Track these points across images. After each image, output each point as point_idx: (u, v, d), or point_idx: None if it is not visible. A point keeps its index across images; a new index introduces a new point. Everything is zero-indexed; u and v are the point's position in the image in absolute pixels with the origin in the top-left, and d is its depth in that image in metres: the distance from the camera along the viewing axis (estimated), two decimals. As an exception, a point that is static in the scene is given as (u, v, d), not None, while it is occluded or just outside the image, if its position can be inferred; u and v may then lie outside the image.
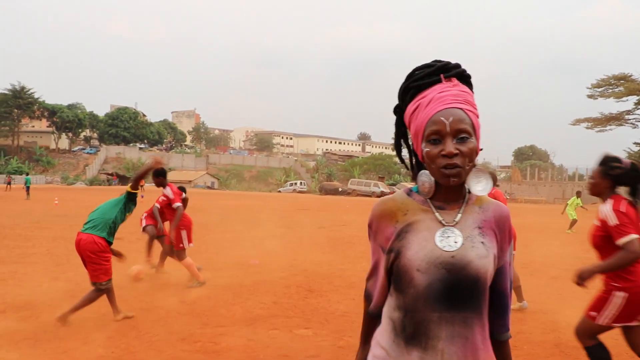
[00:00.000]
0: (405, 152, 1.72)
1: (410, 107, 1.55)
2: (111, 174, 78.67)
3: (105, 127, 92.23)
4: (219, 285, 7.62)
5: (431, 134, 1.47)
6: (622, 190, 3.65)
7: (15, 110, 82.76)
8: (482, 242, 1.51)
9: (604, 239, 3.55)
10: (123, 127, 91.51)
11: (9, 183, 46.93)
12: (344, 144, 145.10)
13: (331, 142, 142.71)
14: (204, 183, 76.98)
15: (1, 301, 6.37)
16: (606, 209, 3.52)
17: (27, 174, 50.88)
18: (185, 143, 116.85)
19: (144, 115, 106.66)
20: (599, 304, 3.56)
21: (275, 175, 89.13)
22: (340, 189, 62.39)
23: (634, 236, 3.36)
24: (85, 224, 5.63)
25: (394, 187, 69.33)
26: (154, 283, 7.71)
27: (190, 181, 73.01)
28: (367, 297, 1.75)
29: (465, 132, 1.45)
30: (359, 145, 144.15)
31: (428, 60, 1.60)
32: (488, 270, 1.49)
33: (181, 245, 7.51)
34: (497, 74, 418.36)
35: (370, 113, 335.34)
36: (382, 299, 1.66)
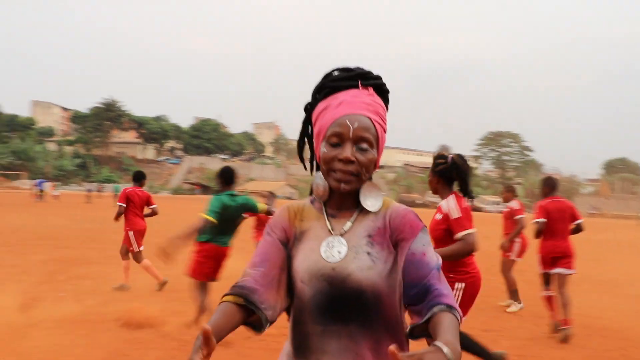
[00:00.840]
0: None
1: (320, 106, 1.46)
2: (194, 184, 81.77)
3: (189, 138, 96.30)
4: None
5: (332, 136, 1.38)
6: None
7: (107, 123, 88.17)
8: (368, 253, 1.38)
9: (445, 232, 3.74)
10: (206, 138, 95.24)
11: (99, 191, 50.11)
12: (424, 155, 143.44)
13: (411, 153, 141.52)
14: (283, 194, 78.49)
15: (95, 293, 6.96)
16: (450, 204, 3.72)
17: (117, 183, 54.01)
18: (265, 154, 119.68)
19: (226, 127, 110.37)
20: None
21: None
22: (418, 202, 61.88)
23: (472, 230, 3.63)
24: (223, 236, 5.62)
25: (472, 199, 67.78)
26: (223, 284, 8.10)
27: (267, 191, 74.47)
28: (236, 286, 1.45)
29: (367, 142, 1.38)
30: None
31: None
32: (375, 282, 1.35)
33: (131, 248, 7.73)
34: (584, 83, 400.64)
35: (450, 124, 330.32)
36: (268, 290, 1.42)
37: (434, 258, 1.39)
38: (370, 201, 1.45)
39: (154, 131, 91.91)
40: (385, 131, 1.46)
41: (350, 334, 1.36)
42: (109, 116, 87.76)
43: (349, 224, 1.44)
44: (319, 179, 1.46)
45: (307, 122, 1.55)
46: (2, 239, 13.11)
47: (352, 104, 1.40)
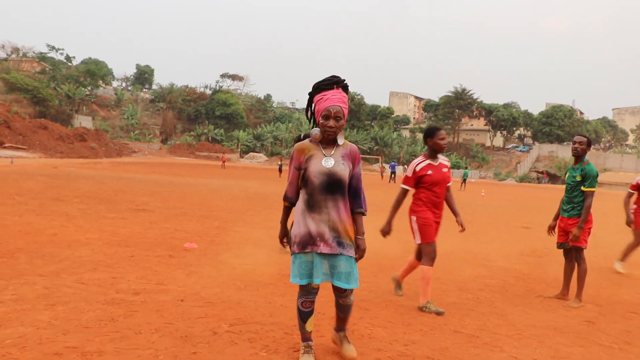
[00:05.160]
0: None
1: (317, 97, 3.53)
2: (542, 172, 77.62)
3: (539, 126, 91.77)
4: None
5: (325, 115, 3.44)
6: None
7: (457, 111, 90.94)
8: (343, 164, 3.52)
9: None
10: (557, 125, 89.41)
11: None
12: None
13: None
14: (644, 187, 68.25)
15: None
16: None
17: (466, 168, 55.72)
18: (627, 142, 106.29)
19: (581, 113, 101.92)
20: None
21: None
22: None
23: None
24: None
25: None
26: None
27: (627, 184, 66.05)
28: (287, 198, 3.66)
29: (340, 116, 3.46)
30: None
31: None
32: (345, 176, 3.52)
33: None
34: None
35: None
36: (297, 195, 3.62)
37: (361, 176, 3.68)
38: (340, 140, 3.55)
39: (502, 118, 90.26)
40: (347, 109, 3.53)
41: (335, 199, 3.51)
42: (459, 104, 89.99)
43: (332, 151, 3.54)
44: (317, 131, 3.52)
45: (310, 102, 3.62)
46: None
47: (332, 99, 3.46)
